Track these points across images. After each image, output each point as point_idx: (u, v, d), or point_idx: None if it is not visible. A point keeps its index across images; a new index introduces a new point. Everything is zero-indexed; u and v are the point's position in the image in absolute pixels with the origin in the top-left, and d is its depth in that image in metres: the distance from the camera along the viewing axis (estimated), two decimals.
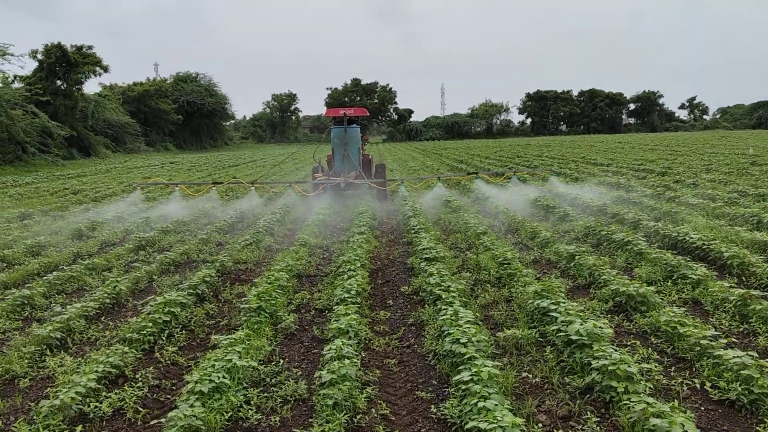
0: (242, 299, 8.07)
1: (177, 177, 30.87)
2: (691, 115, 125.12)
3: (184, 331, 7.09)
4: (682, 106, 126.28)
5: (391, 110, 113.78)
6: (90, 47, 50.73)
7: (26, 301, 8.16)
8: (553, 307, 6.49)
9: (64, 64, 48.70)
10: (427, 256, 9.38)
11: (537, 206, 14.98)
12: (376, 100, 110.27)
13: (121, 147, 57.65)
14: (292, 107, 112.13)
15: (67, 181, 29.35)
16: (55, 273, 9.34)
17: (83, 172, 35.31)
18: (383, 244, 12.11)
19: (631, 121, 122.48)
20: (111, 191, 23.26)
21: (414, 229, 12.07)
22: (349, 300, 7.42)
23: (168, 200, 18.60)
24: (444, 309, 6.69)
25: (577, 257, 9.01)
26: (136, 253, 11.63)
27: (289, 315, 7.26)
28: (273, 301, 7.36)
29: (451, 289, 7.45)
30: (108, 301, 8.04)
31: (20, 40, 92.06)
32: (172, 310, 7.18)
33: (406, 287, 8.67)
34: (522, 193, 17.18)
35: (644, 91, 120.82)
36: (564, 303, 6.58)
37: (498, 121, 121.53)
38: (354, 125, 19.36)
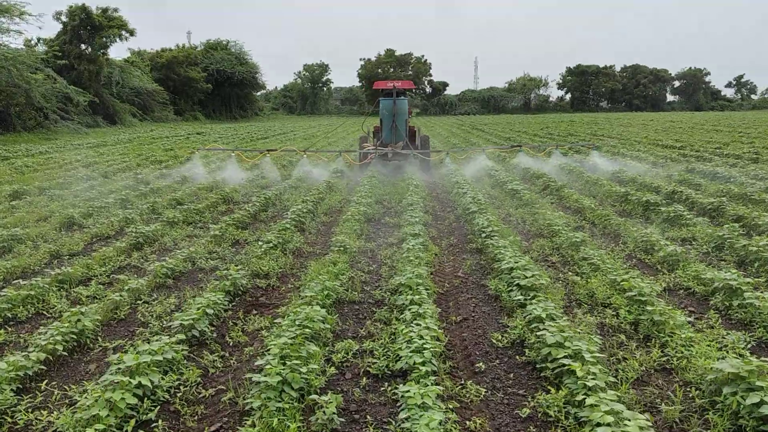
0: (259, 351, 5.47)
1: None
2: (738, 94, 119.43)
3: (162, 419, 4.46)
4: (728, 85, 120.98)
5: (426, 83, 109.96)
6: (116, 10, 48.32)
7: None
8: None
9: (88, 27, 46.42)
10: (521, 282, 6.62)
11: (631, 202, 12.06)
12: (410, 72, 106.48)
13: (149, 115, 55.46)
14: (324, 78, 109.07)
15: (82, 152, 26.97)
16: (5, 290, 6.79)
17: (104, 141, 33.01)
18: (444, 250, 9.36)
19: (674, 98, 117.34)
20: (125, 165, 20.81)
21: (485, 232, 9.32)
22: (424, 369, 4.73)
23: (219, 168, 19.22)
24: (587, 401, 4.00)
25: (746, 293, 6.18)
26: (128, 254, 9.07)
27: (328, 397, 4.52)
28: (303, 368, 4.70)
29: (584, 354, 4.70)
30: (62, 347, 5.44)
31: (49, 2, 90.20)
32: (145, 381, 4.55)
33: (498, 335, 5.91)
34: (601, 184, 14.25)
35: (690, 68, 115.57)
36: None
37: (535, 96, 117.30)
38: (402, 97, 19.68)
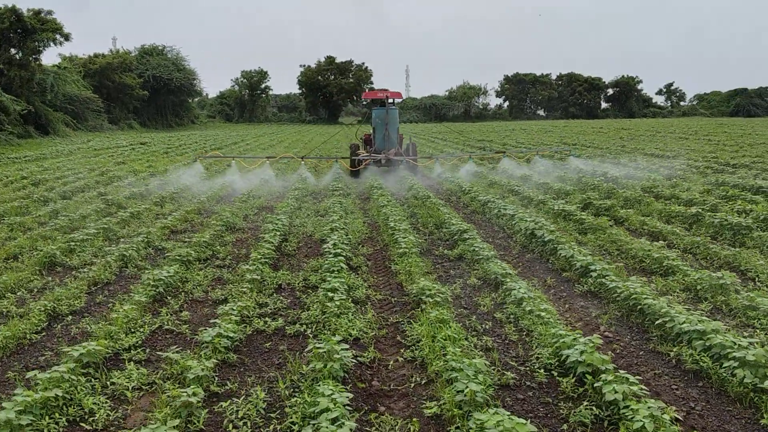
0: None
1: (158, 162, 25.78)
2: (668, 102, 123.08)
3: None
4: (659, 92, 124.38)
5: (367, 90, 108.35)
6: (50, 12, 44.66)
7: None
8: None
9: (19, 30, 42.62)
10: (747, 357, 4.91)
11: (711, 225, 10.55)
12: (351, 80, 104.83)
13: (82, 124, 51.71)
14: (263, 85, 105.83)
15: (24, 166, 24.04)
16: (17, 392, 4.61)
17: (42, 154, 29.88)
18: (547, 294, 7.62)
19: (608, 105, 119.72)
20: (83, 183, 18.21)
21: (593, 271, 7.66)
22: None
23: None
24: None
25: None
26: (154, 312, 6.95)
27: None
28: None
29: None
30: None
31: None
32: None
33: None
34: (648, 202, 12.86)
35: (623, 76, 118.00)
36: None
37: (475, 104, 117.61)
38: (393, 107, 20.78)
